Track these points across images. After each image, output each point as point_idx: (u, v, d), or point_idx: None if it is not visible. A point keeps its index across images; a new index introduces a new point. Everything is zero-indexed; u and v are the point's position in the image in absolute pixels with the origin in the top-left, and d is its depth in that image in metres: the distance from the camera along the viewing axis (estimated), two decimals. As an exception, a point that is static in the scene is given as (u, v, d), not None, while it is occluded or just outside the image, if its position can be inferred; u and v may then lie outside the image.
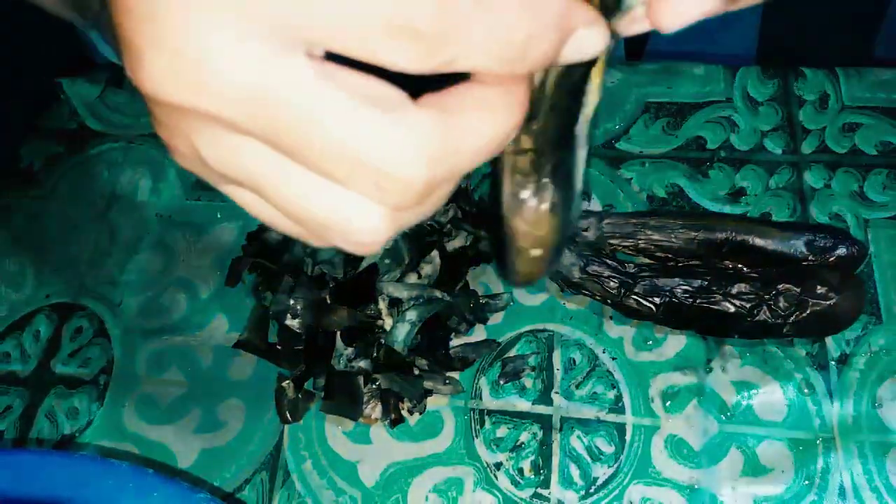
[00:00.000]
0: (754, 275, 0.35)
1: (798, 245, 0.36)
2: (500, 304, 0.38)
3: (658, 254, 0.37)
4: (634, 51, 0.51)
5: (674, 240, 0.37)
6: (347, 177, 0.14)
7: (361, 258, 0.37)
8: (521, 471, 0.34)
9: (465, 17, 0.13)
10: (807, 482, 0.33)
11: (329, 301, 0.36)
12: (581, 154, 0.17)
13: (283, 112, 0.13)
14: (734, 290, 0.35)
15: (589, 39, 0.15)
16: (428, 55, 0.13)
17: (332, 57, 0.14)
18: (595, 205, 0.41)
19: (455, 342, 0.38)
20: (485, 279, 0.39)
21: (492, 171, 0.17)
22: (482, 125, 0.14)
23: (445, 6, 0.12)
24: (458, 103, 0.14)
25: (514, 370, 0.37)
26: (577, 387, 0.36)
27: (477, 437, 0.35)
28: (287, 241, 0.39)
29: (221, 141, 0.15)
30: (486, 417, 0.36)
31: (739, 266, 0.36)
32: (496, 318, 0.38)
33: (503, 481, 0.34)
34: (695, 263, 0.37)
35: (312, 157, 0.14)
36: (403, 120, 0.14)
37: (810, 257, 0.36)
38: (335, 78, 0.13)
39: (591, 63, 0.16)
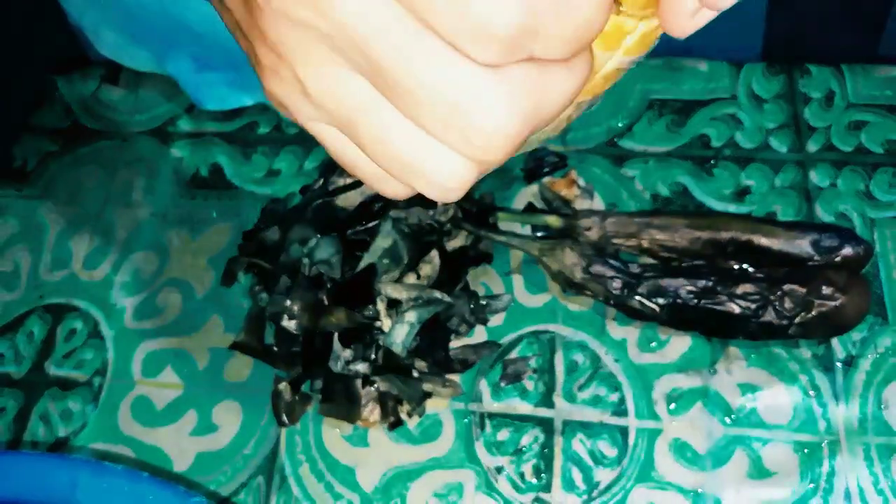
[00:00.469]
0: (759, 275, 0.35)
1: (804, 245, 0.35)
2: (501, 305, 0.38)
3: (662, 254, 0.37)
4: None
5: (678, 240, 0.36)
6: (438, 124, 0.14)
7: (359, 259, 0.37)
8: (522, 475, 0.34)
9: (542, 16, 0.13)
10: (812, 485, 0.33)
11: (326, 302, 0.36)
12: None
13: (390, 47, 0.14)
14: (739, 291, 0.34)
15: None
16: (507, 54, 0.13)
17: None
18: (598, 203, 0.40)
19: (455, 344, 0.37)
20: (485, 279, 0.39)
21: None
22: (565, 81, 0.14)
23: (526, 11, 0.13)
24: (542, 62, 0.14)
25: (516, 372, 0.36)
26: (580, 389, 0.36)
27: (477, 440, 0.35)
28: (284, 242, 0.38)
29: (327, 69, 0.15)
30: (487, 420, 0.35)
31: (744, 266, 0.36)
32: (497, 320, 0.38)
33: (504, 485, 0.34)
34: (699, 264, 0.36)
35: (409, 98, 0.14)
36: (500, 72, 0.14)
37: (816, 257, 0.35)
38: None
39: None
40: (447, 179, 0.15)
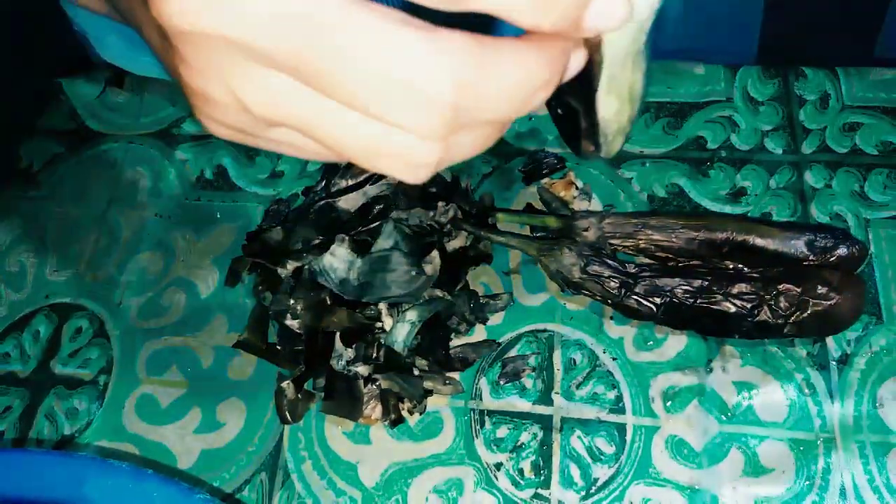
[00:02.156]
0: (755, 275, 0.35)
1: (799, 245, 0.36)
2: (501, 305, 0.38)
3: (658, 254, 0.37)
4: None
5: (674, 240, 0.37)
6: (379, 99, 0.14)
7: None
8: (521, 471, 0.34)
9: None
10: (807, 482, 0.33)
11: (329, 302, 0.36)
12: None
13: (314, 34, 0.13)
14: (735, 291, 0.35)
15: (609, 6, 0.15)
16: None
17: None
18: (595, 205, 0.41)
19: (455, 342, 0.37)
20: (485, 279, 0.39)
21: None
22: (513, 70, 0.14)
23: None
24: (494, 44, 0.14)
25: (515, 370, 0.37)
26: (578, 387, 0.36)
27: (477, 437, 0.35)
28: (287, 242, 0.39)
29: (258, 78, 0.14)
30: (487, 418, 0.36)
31: (740, 266, 0.36)
32: (496, 319, 0.38)
33: (503, 482, 0.34)
34: (695, 263, 0.37)
35: (344, 83, 0.14)
36: (436, 38, 0.14)
37: (811, 257, 0.36)
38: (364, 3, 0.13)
39: None
40: (412, 157, 0.15)
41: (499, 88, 0.14)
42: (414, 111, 0.14)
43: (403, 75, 0.13)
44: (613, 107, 0.20)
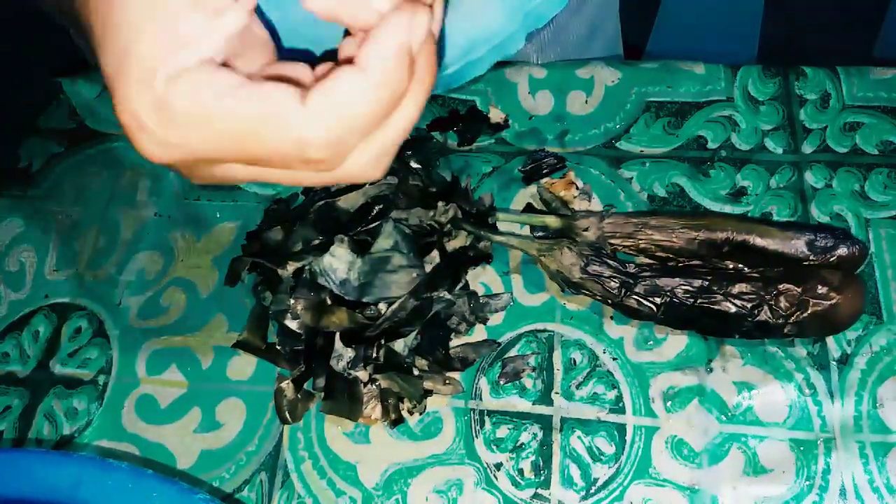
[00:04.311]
0: (755, 275, 0.35)
1: (799, 245, 0.36)
2: (501, 305, 0.38)
3: (659, 254, 0.37)
4: (634, 50, 0.51)
5: (674, 240, 0.37)
6: (286, 164, 0.21)
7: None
8: (521, 471, 0.34)
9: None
10: (808, 482, 0.33)
11: (329, 302, 0.36)
12: None
13: (244, 142, 0.20)
14: (735, 290, 0.35)
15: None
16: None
17: None
18: (596, 204, 0.41)
19: (455, 342, 0.37)
20: (485, 279, 0.39)
21: None
22: (354, 99, 0.20)
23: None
24: (333, 84, 0.20)
25: (515, 370, 0.37)
26: (578, 387, 0.36)
27: (477, 437, 0.35)
28: (287, 242, 0.39)
29: (207, 167, 0.22)
30: (487, 418, 0.36)
31: (740, 266, 0.36)
32: (496, 319, 0.38)
33: (503, 482, 0.34)
34: (695, 263, 0.37)
35: (265, 161, 0.21)
36: (306, 108, 0.20)
37: (811, 257, 0.36)
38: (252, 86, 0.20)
39: None
40: (328, 181, 0.22)
41: (350, 114, 0.20)
42: (310, 165, 0.21)
43: (297, 151, 0.20)
44: None
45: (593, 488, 0.34)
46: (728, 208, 0.40)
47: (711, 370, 0.36)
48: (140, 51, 0.19)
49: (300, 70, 0.22)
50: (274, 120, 0.19)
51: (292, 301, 0.36)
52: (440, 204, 0.39)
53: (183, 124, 0.20)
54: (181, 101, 0.19)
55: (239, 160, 0.21)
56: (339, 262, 0.35)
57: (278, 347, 0.37)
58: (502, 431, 0.35)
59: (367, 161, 0.22)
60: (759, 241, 0.36)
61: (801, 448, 0.34)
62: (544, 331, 0.38)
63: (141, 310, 0.41)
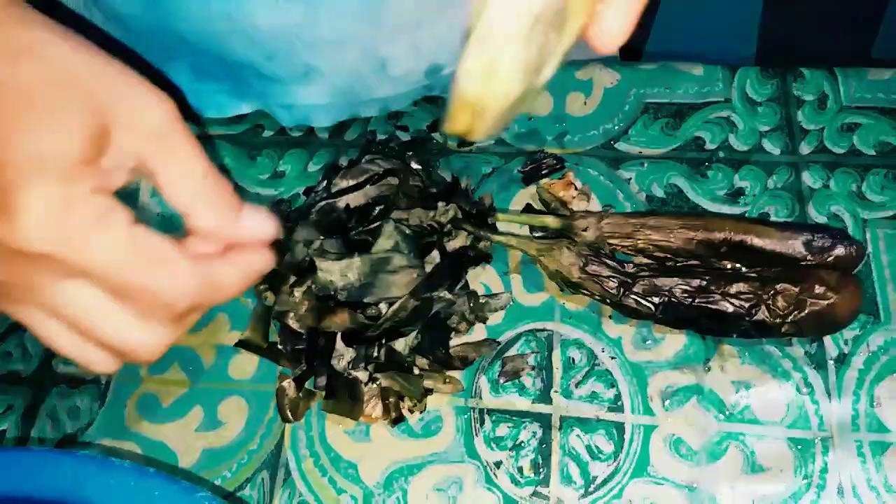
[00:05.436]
0: (753, 275, 0.36)
1: (796, 245, 0.36)
2: (500, 304, 0.38)
3: (657, 254, 0.38)
4: (632, 51, 0.52)
5: (672, 240, 0.37)
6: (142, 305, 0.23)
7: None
8: (520, 469, 0.35)
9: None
10: (805, 481, 0.33)
11: (331, 302, 0.36)
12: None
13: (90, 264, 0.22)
14: (733, 290, 0.35)
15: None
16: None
17: None
18: (594, 205, 0.41)
19: (455, 341, 0.38)
20: (484, 279, 0.39)
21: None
22: (229, 272, 0.24)
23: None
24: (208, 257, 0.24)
25: (514, 369, 0.37)
26: (577, 386, 0.36)
27: (477, 435, 0.36)
28: (288, 242, 0.39)
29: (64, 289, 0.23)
30: (486, 416, 0.36)
31: (738, 266, 0.36)
32: (496, 318, 0.38)
33: (503, 480, 0.34)
34: (693, 263, 0.37)
35: (147, 299, 0.23)
36: (172, 271, 0.23)
37: (809, 257, 0.36)
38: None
39: None
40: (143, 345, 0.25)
41: (218, 286, 0.24)
42: (160, 316, 0.24)
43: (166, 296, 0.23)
44: (476, 80, 0.19)
45: (592, 486, 0.34)
46: (726, 208, 0.40)
47: (709, 369, 0.36)
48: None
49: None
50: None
51: (295, 300, 0.36)
52: (440, 204, 0.39)
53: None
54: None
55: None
56: (331, 274, 0.36)
57: (280, 347, 0.37)
58: (502, 430, 0.36)
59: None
60: (756, 241, 0.36)
61: (799, 447, 0.34)
62: (543, 330, 0.38)
63: (143, 309, 0.41)
